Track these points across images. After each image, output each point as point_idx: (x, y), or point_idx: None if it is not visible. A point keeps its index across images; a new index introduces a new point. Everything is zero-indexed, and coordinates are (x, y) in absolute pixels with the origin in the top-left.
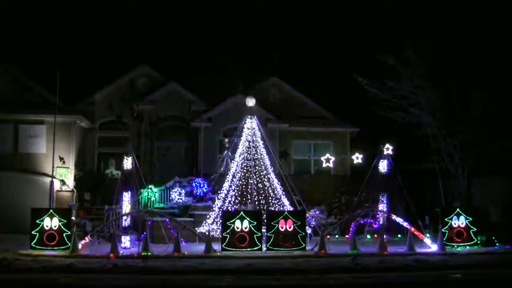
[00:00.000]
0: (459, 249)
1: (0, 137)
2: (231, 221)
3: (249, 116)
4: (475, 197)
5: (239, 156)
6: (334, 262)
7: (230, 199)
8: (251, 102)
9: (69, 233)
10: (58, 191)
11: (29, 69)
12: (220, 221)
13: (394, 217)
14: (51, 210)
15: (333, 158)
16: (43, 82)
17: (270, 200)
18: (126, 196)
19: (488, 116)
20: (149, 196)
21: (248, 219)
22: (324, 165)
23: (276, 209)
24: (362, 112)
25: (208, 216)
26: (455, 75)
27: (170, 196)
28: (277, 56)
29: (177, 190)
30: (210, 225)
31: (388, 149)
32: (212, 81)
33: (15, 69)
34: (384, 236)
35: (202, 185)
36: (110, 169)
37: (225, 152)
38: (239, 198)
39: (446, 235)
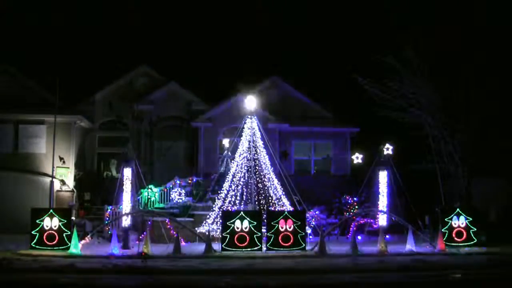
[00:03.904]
0: (459, 249)
1: (0, 137)
2: (231, 221)
3: (249, 116)
4: (475, 197)
5: (239, 156)
6: (334, 262)
7: (230, 199)
8: (251, 102)
9: (69, 233)
10: (58, 191)
11: (29, 69)
12: (220, 221)
13: (394, 217)
14: (51, 210)
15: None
16: (43, 82)
17: (270, 200)
18: (126, 196)
19: (488, 116)
20: (149, 196)
21: (248, 219)
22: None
23: (276, 209)
24: (362, 112)
25: (208, 216)
26: (455, 75)
27: (170, 196)
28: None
29: (177, 190)
30: (210, 225)
31: (388, 149)
32: (212, 81)
33: (15, 69)
34: (385, 236)
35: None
36: (111, 169)
37: (225, 152)
38: (239, 198)
39: (446, 235)
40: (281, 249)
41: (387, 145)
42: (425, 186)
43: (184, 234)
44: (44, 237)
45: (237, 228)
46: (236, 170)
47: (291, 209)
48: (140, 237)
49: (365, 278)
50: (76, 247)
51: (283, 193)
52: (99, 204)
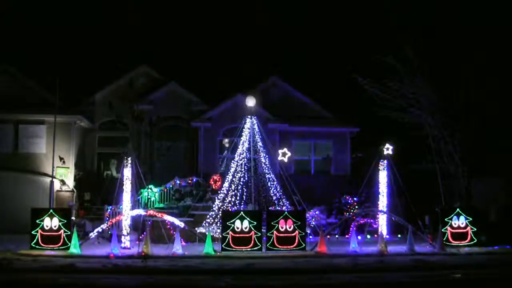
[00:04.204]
0: (459, 249)
1: (0, 137)
2: (231, 221)
3: (249, 116)
4: (475, 197)
5: (239, 156)
6: (334, 262)
7: (230, 199)
8: (251, 102)
9: (69, 233)
10: (58, 191)
11: (29, 69)
12: (220, 221)
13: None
14: (51, 210)
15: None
16: (43, 82)
17: (270, 200)
18: (126, 196)
19: (488, 116)
20: (149, 196)
21: (248, 219)
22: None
23: (276, 209)
24: (362, 112)
25: (208, 216)
26: (455, 75)
27: (170, 196)
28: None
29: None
30: (210, 225)
31: (388, 149)
32: (212, 81)
33: (15, 69)
34: (385, 236)
35: None
36: (111, 169)
37: (225, 152)
38: (239, 198)
39: (446, 235)
40: (281, 249)
41: (387, 145)
42: (425, 186)
43: (184, 234)
44: (44, 237)
45: (237, 228)
46: (236, 170)
47: (291, 209)
48: (140, 237)
49: (365, 278)
50: (76, 247)
51: (283, 193)
52: (99, 204)
